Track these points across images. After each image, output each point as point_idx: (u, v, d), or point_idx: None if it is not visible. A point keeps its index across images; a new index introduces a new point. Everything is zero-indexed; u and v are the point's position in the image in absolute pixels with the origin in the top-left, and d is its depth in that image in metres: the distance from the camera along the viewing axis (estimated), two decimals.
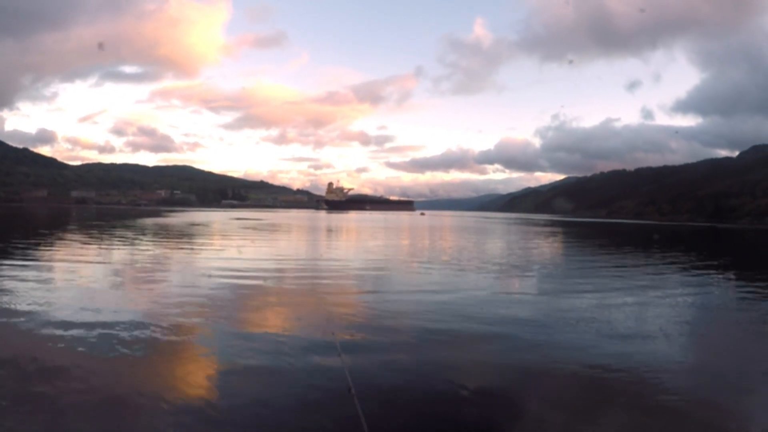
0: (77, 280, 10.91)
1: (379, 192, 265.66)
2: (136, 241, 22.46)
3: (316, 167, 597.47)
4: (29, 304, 7.87)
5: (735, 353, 6.76)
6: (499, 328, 7.45)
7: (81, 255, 15.78)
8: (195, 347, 6.15)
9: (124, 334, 6.40)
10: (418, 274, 13.59)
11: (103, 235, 26.12)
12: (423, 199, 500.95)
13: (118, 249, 18.55)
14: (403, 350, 6.23)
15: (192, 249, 19.78)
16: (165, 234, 28.60)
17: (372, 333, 6.92)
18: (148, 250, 18.51)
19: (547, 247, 25.94)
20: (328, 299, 9.22)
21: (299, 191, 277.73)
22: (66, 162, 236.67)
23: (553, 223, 72.32)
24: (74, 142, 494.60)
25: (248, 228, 36.54)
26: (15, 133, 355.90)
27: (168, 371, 5.33)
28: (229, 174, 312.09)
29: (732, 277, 15.72)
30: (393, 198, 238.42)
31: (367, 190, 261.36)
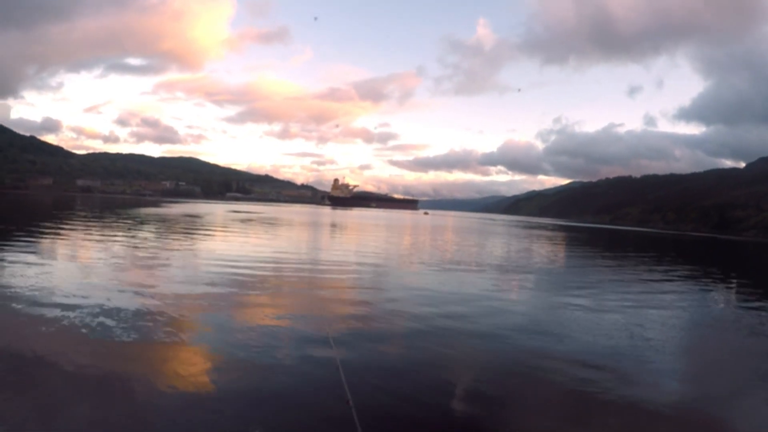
0: None
1: (383, 190, 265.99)
2: (108, 231, 22.02)
3: (320, 163, 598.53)
4: None
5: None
6: None
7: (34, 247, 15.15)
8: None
9: None
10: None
11: (80, 225, 25.80)
12: (426, 198, 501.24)
13: (81, 240, 17.55)
14: None
15: (164, 242, 18.08)
16: (150, 224, 28.25)
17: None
18: (115, 240, 17.37)
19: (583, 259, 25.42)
20: None
21: (303, 186, 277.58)
22: (71, 151, 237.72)
23: (560, 228, 71.36)
24: (79, 132, 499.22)
25: (242, 221, 36.19)
26: (20, 122, 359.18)
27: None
28: (233, 167, 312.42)
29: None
30: (397, 196, 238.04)
31: (370, 187, 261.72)
